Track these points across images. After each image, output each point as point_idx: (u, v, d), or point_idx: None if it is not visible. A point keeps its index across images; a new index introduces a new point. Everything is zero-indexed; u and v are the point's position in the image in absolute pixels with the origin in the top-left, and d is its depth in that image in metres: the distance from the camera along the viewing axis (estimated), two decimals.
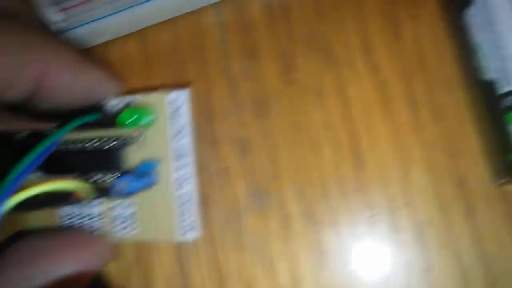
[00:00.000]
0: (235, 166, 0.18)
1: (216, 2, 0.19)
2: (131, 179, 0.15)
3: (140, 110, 0.16)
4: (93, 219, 0.17)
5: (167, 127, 0.16)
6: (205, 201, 0.18)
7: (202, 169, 0.18)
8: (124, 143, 0.16)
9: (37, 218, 0.17)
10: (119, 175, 0.16)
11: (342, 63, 0.18)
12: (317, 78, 0.18)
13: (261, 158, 0.18)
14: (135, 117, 0.16)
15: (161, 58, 0.19)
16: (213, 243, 0.18)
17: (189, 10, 0.19)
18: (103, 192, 0.16)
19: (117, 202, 0.17)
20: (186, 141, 0.16)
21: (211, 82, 0.19)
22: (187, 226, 0.15)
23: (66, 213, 0.17)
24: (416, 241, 0.17)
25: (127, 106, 0.16)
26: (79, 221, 0.17)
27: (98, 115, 0.16)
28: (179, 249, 0.18)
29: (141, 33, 0.19)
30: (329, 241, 0.17)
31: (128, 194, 0.16)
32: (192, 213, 0.15)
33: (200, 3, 0.19)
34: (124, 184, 0.15)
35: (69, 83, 0.16)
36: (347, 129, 0.17)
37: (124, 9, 0.19)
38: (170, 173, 0.16)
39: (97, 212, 0.17)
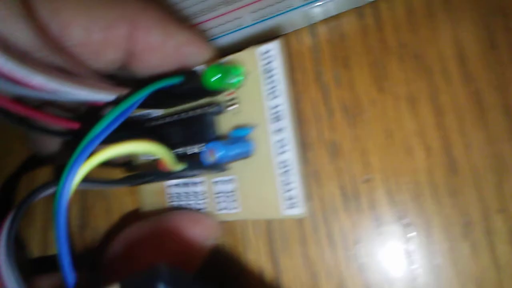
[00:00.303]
0: (325, 169, 0.19)
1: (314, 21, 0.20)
2: (223, 146, 0.14)
3: (226, 68, 0.14)
4: (198, 198, 0.16)
5: (261, 85, 0.14)
6: None
7: None
8: (215, 109, 0.15)
9: (149, 200, 0.18)
10: (210, 142, 0.15)
11: (435, 71, 0.18)
12: (409, 86, 0.18)
13: (352, 162, 0.19)
14: (219, 75, 0.14)
15: None
16: (305, 239, 0.19)
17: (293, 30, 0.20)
18: (195, 163, 0.15)
19: (217, 178, 0.15)
20: (282, 100, 0.14)
21: (303, 88, 0.20)
22: (291, 198, 0.14)
23: (174, 193, 0.17)
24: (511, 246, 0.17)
25: (212, 64, 0.15)
26: (185, 201, 0.17)
27: (180, 78, 0.15)
28: (271, 241, 0.19)
29: None
30: (419, 244, 0.18)
31: (222, 162, 0.14)
32: (296, 184, 0.14)
33: (306, 22, 0.20)
34: (216, 151, 0.14)
35: (159, 43, 0.15)
36: (440, 136, 0.18)
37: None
38: (267, 138, 0.14)
39: (201, 191, 0.16)
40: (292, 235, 0.19)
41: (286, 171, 0.14)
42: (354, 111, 0.19)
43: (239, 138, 0.15)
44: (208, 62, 0.15)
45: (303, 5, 0.19)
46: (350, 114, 0.19)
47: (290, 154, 0.14)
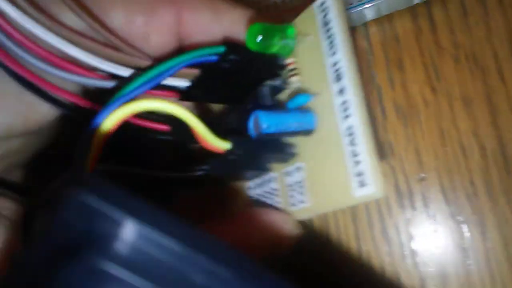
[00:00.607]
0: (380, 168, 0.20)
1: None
2: (269, 114, 0.13)
3: (272, 27, 0.13)
4: (274, 195, 0.15)
5: (320, 42, 0.13)
6: None
7: None
8: (275, 82, 0.14)
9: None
10: (257, 110, 0.13)
11: (490, 71, 0.19)
12: (464, 86, 0.19)
13: (406, 161, 0.19)
14: (261, 36, 0.13)
15: None
16: (358, 236, 0.20)
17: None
18: (241, 137, 0.13)
19: (286, 168, 0.14)
20: (341, 56, 0.12)
21: None
22: (360, 174, 0.11)
23: (254, 195, 0.16)
24: None
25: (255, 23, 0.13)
26: (263, 197, 0.15)
27: (222, 48, 0.13)
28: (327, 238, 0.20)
29: None
30: (474, 241, 0.18)
31: (273, 135, 0.13)
32: (365, 155, 0.11)
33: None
34: (260, 120, 0.12)
35: (207, 25, 0.14)
36: (495, 135, 0.18)
37: None
38: (332, 103, 0.12)
39: (275, 188, 0.15)
40: (347, 230, 0.20)
41: (352, 140, 0.12)
42: (408, 111, 0.19)
43: (295, 109, 0.13)
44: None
45: (358, 5, 0.19)
46: (403, 115, 0.19)
47: (355, 119, 0.11)
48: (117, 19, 0.13)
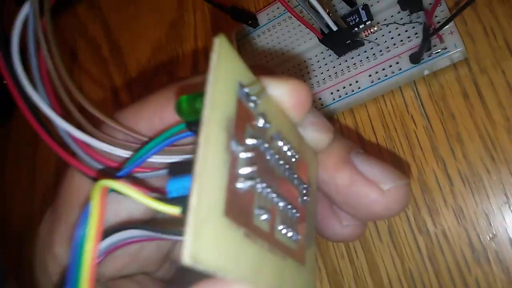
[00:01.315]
0: (454, 230, 0.22)
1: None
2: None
3: (197, 95, 0.13)
4: None
5: None
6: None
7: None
8: None
9: None
10: None
11: None
12: None
13: (477, 223, 0.22)
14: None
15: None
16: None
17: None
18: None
19: None
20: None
21: (424, 162, 0.23)
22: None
23: None
24: None
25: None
26: None
27: (182, 125, 0.14)
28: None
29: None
30: None
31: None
32: None
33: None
34: None
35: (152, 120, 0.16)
36: None
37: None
38: None
39: None
40: (432, 285, 0.23)
41: None
42: (472, 179, 0.22)
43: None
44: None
45: (411, 68, 0.22)
46: (469, 182, 0.22)
47: None
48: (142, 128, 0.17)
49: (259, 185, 0.12)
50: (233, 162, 0.11)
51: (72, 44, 0.45)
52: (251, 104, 0.12)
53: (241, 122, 0.12)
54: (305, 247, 0.15)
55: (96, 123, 0.16)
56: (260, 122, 0.12)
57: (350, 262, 0.25)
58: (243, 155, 0.11)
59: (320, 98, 0.26)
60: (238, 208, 0.11)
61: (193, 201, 0.09)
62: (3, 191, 0.45)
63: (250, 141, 0.12)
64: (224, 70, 0.11)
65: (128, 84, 0.39)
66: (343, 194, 0.16)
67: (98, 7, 0.44)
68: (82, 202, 0.16)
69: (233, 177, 0.11)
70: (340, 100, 0.26)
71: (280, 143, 0.14)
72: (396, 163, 0.24)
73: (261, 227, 0.12)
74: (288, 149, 0.14)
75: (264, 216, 0.12)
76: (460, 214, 0.22)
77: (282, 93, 0.14)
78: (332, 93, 0.26)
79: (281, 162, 0.13)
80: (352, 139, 0.26)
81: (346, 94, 0.26)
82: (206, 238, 0.09)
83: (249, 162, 0.12)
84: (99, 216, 0.12)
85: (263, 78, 0.14)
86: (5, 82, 0.15)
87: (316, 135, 0.16)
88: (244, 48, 0.31)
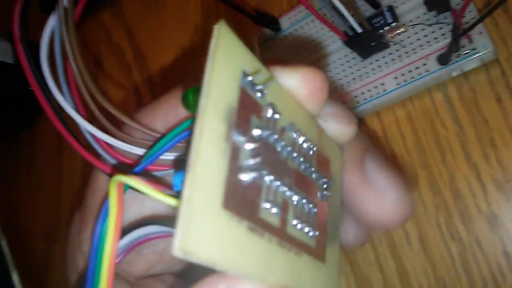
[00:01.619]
0: (487, 238, 0.22)
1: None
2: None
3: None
4: None
5: None
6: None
7: None
8: None
9: None
10: None
11: None
12: None
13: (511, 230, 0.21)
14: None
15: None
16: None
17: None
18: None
19: None
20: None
21: (456, 167, 0.23)
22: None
23: None
24: None
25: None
26: None
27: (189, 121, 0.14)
28: None
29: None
30: None
31: None
32: None
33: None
34: None
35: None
36: None
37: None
38: None
39: None
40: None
41: None
42: (507, 185, 0.22)
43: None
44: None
45: (439, 69, 0.22)
46: (503, 188, 0.22)
47: None
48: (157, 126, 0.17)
49: (267, 178, 0.11)
50: (235, 153, 0.10)
51: (97, 50, 0.45)
52: (258, 94, 0.12)
53: (246, 112, 0.11)
54: (325, 244, 0.14)
55: (117, 124, 0.16)
56: (269, 113, 0.12)
57: (379, 269, 0.24)
58: (247, 146, 0.11)
59: (345, 102, 0.26)
60: (240, 201, 0.10)
61: (185, 193, 0.09)
62: (31, 196, 0.46)
63: (256, 132, 0.11)
64: (223, 57, 0.11)
65: (151, 89, 0.40)
66: (346, 196, 0.16)
67: (122, 14, 0.45)
68: None
69: (235, 168, 0.10)
70: (365, 103, 0.25)
71: (294, 135, 0.13)
72: (426, 169, 0.24)
73: (270, 221, 0.11)
74: (304, 141, 0.13)
75: (274, 210, 0.11)
76: (494, 221, 0.22)
77: (295, 82, 0.13)
78: (357, 96, 0.26)
79: (295, 154, 0.13)
80: (379, 143, 0.26)
81: (372, 97, 0.25)
82: (199, 230, 0.09)
83: (254, 153, 0.11)
84: (117, 212, 0.12)
85: (274, 67, 0.13)
86: (31, 88, 0.16)
87: (338, 127, 0.15)
88: (267, 52, 0.30)
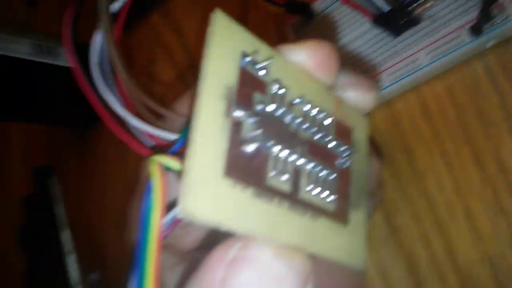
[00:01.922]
0: None
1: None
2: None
3: None
4: None
5: None
6: None
7: None
8: None
9: None
10: None
11: None
12: None
13: None
14: None
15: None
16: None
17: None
18: None
19: None
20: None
21: (498, 139, 0.22)
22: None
23: None
24: None
25: None
26: None
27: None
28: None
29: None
30: None
31: None
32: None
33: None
34: None
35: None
36: None
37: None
38: None
39: None
40: None
41: None
42: None
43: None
44: None
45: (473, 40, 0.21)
46: None
47: None
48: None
49: (274, 148, 0.12)
50: (236, 127, 0.12)
51: (150, 52, 0.48)
52: (262, 72, 0.13)
53: (247, 90, 0.12)
54: (346, 208, 0.15)
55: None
56: (274, 88, 0.13)
57: (425, 246, 0.25)
58: (250, 120, 0.12)
59: (379, 81, 0.26)
60: (244, 170, 0.11)
61: (187, 163, 0.10)
62: (102, 191, 0.51)
63: (259, 107, 0.12)
64: (219, 42, 0.12)
65: None
66: None
67: (170, 14, 0.47)
68: None
69: (238, 140, 0.12)
70: (400, 79, 0.25)
71: (306, 107, 0.14)
72: (470, 144, 0.23)
73: (280, 187, 0.12)
74: (318, 112, 0.14)
75: (285, 177, 0.12)
76: None
77: (303, 56, 0.14)
78: (391, 74, 0.25)
79: (306, 125, 0.14)
80: (418, 119, 0.25)
81: (407, 74, 0.25)
82: (200, 194, 0.10)
83: (256, 126, 0.12)
84: (161, 188, 0.12)
85: (281, 46, 0.14)
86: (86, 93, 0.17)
87: (357, 95, 0.16)
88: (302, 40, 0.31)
